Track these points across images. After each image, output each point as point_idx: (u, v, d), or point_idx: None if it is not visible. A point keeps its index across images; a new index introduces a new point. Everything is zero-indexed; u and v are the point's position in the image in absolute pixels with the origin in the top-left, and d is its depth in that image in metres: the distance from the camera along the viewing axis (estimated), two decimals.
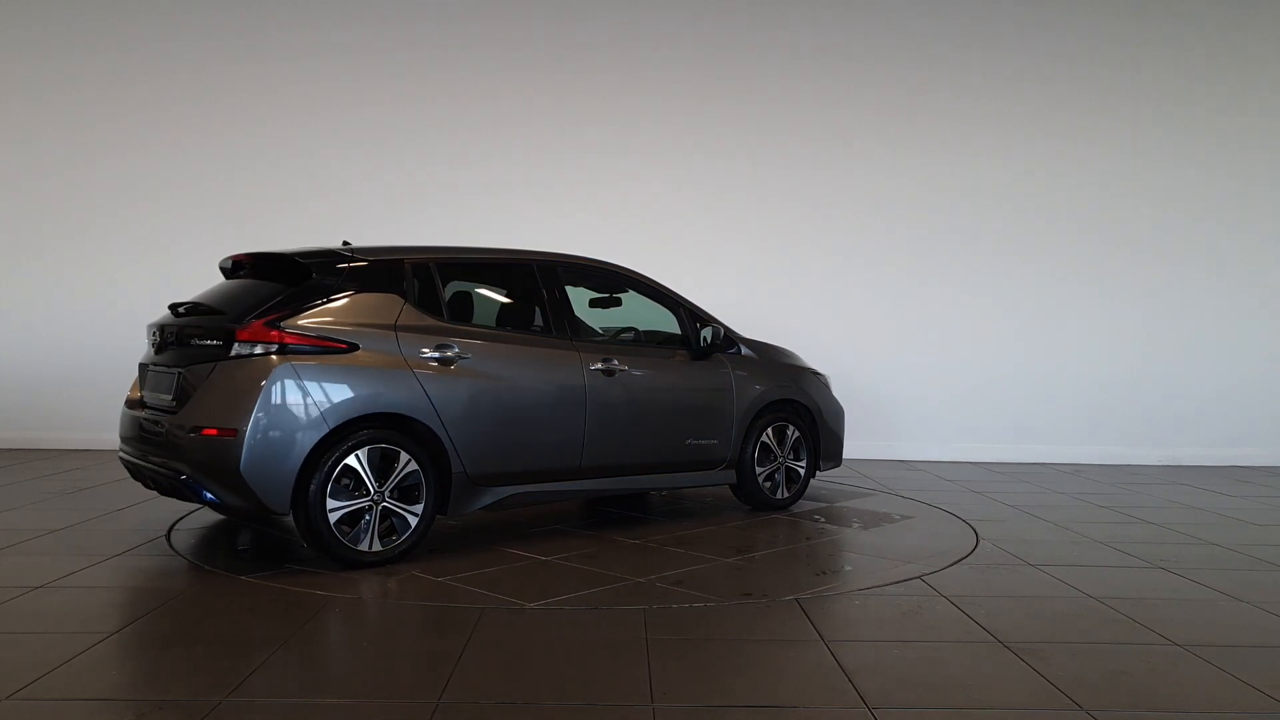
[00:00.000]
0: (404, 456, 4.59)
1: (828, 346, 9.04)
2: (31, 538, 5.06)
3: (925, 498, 6.87)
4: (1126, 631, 3.78)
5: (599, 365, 5.35)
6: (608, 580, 4.45)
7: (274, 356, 4.34)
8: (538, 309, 5.40)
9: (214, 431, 4.27)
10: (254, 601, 4.03)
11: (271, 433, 4.26)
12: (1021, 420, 9.15)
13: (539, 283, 5.40)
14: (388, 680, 3.10)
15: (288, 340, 4.39)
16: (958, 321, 9.14)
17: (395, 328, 4.67)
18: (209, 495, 4.34)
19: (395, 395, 4.56)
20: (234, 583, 4.29)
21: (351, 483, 4.46)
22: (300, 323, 4.46)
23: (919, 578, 4.55)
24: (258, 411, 4.24)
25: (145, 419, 4.74)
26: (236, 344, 4.38)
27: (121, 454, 5.03)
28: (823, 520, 6.05)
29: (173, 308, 4.96)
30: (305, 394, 4.34)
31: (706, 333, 5.92)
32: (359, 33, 9.06)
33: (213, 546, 5.05)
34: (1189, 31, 9.20)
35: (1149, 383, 9.15)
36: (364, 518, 4.50)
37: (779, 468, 6.30)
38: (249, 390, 4.27)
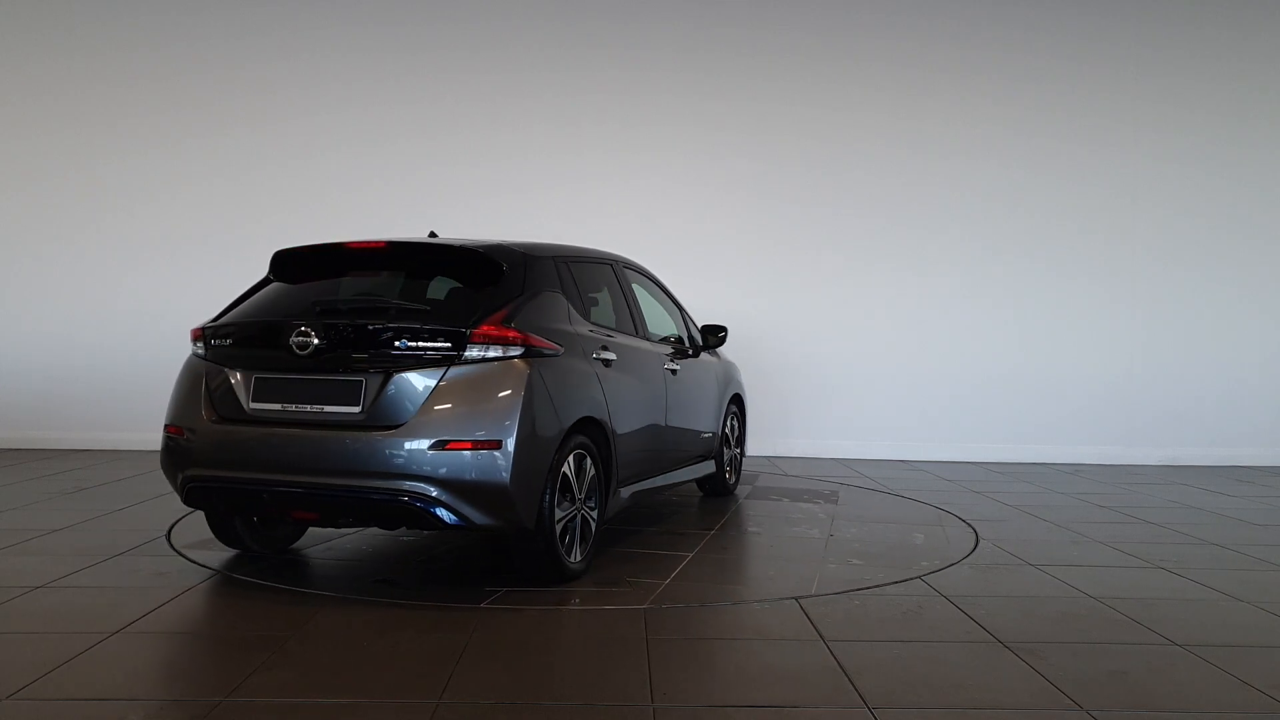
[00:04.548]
0: (587, 461, 4.39)
1: (827, 345, 9.08)
2: (31, 538, 5.05)
3: (926, 497, 6.88)
4: (1126, 631, 3.78)
5: (668, 365, 5.48)
6: (798, 567, 4.74)
7: (520, 360, 3.99)
8: (624, 308, 5.36)
9: (469, 445, 3.82)
10: (254, 601, 4.02)
11: (529, 443, 3.93)
12: (1021, 420, 9.15)
13: (618, 282, 5.41)
14: (388, 680, 3.10)
15: (529, 342, 4.05)
16: (958, 321, 9.14)
17: (573, 329, 4.48)
18: (449, 516, 3.83)
19: (594, 398, 4.41)
20: (234, 583, 4.29)
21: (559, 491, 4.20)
22: (527, 323, 4.13)
23: (919, 578, 4.55)
24: (521, 420, 3.89)
25: (294, 436, 3.96)
26: (470, 346, 3.95)
27: (215, 483, 4.12)
28: (787, 500, 6.73)
29: (320, 305, 4.26)
30: (549, 399, 4.05)
31: (703, 333, 6.19)
32: (362, 34, 9.06)
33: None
34: (1190, 32, 9.20)
35: (1149, 383, 9.15)
36: (571, 527, 4.31)
37: (733, 456, 6.79)
38: (508, 397, 3.90)
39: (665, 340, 5.89)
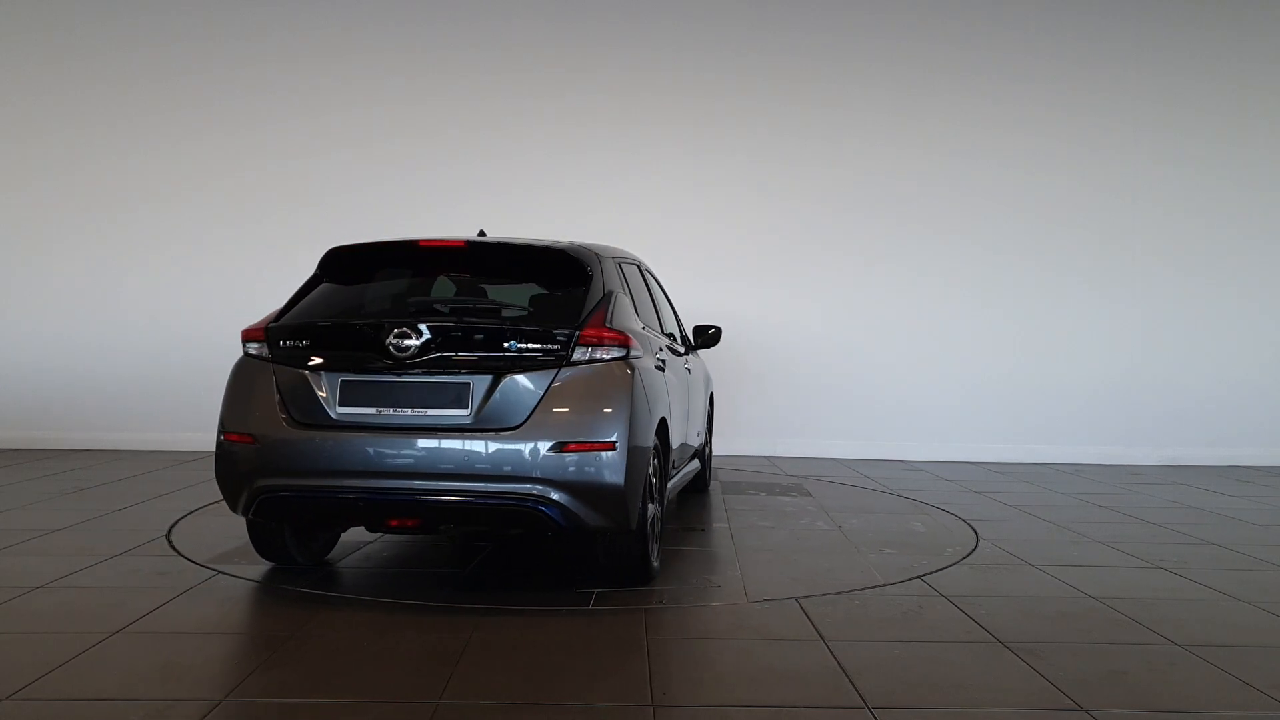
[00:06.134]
0: (657, 461, 4.36)
1: (826, 345, 9.07)
2: (31, 538, 5.05)
3: (925, 497, 6.88)
4: (1126, 631, 3.78)
5: (685, 365, 5.50)
6: (845, 558, 4.91)
7: (623, 361, 4.00)
8: (650, 308, 5.33)
9: (586, 446, 3.80)
10: (254, 601, 4.02)
11: (636, 444, 3.92)
12: (1021, 420, 9.14)
13: (644, 282, 5.41)
14: (388, 680, 3.11)
15: (628, 343, 4.04)
16: (958, 321, 9.13)
17: (642, 330, 4.48)
18: (562, 518, 3.78)
19: (665, 399, 4.45)
20: (234, 583, 4.28)
21: None
22: (620, 324, 4.11)
23: (919, 577, 4.55)
24: (630, 421, 3.88)
25: (396, 441, 3.83)
26: (578, 348, 3.92)
27: (299, 493, 3.91)
28: (764, 493, 6.88)
29: (415, 304, 4.30)
30: (646, 400, 4.07)
31: (695, 333, 6.21)
32: (362, 34, 9.05)
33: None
34: (1189, 32, 9.19)
35: (1149, 383, 9.14)
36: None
37: (709, 454, 6.85)
38: (618, 398, 3.89)
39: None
